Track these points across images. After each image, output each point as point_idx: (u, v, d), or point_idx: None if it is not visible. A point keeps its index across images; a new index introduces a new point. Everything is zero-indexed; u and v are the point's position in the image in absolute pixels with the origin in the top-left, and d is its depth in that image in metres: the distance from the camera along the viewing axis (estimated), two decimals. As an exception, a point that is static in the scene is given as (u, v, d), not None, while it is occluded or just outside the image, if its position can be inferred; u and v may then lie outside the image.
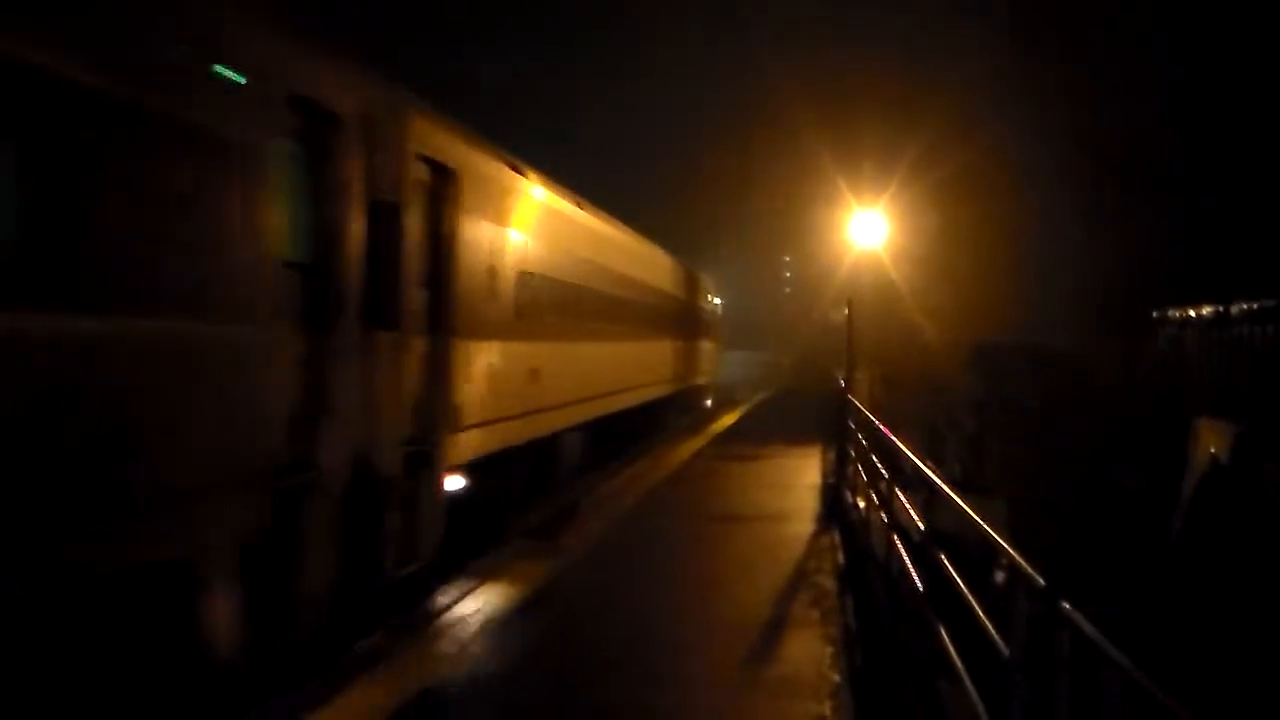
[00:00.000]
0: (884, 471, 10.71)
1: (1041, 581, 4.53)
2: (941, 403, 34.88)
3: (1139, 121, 34.92)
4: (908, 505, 9.09)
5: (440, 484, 9.63)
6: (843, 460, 14.88)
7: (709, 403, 36.80)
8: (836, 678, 7.16)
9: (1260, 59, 30.99)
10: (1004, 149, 39.24)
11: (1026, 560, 4.80)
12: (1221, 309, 27.53)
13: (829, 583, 10.04)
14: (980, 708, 5.38)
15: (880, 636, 8.49)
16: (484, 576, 9.91)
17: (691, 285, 30.69)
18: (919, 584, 7.55)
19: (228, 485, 6.12)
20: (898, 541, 8.96)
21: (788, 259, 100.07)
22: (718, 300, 39.84)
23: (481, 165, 11.02)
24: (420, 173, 9.21)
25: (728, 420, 31.54)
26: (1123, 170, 35.64)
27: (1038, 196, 39.43)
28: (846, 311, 18.12)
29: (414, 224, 8.97)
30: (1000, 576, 9.27)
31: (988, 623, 5.32)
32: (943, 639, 6.43)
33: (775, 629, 8.50)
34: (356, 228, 7.75)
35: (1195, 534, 19.27)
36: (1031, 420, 30.05)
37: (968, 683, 5.70)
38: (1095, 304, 35.35)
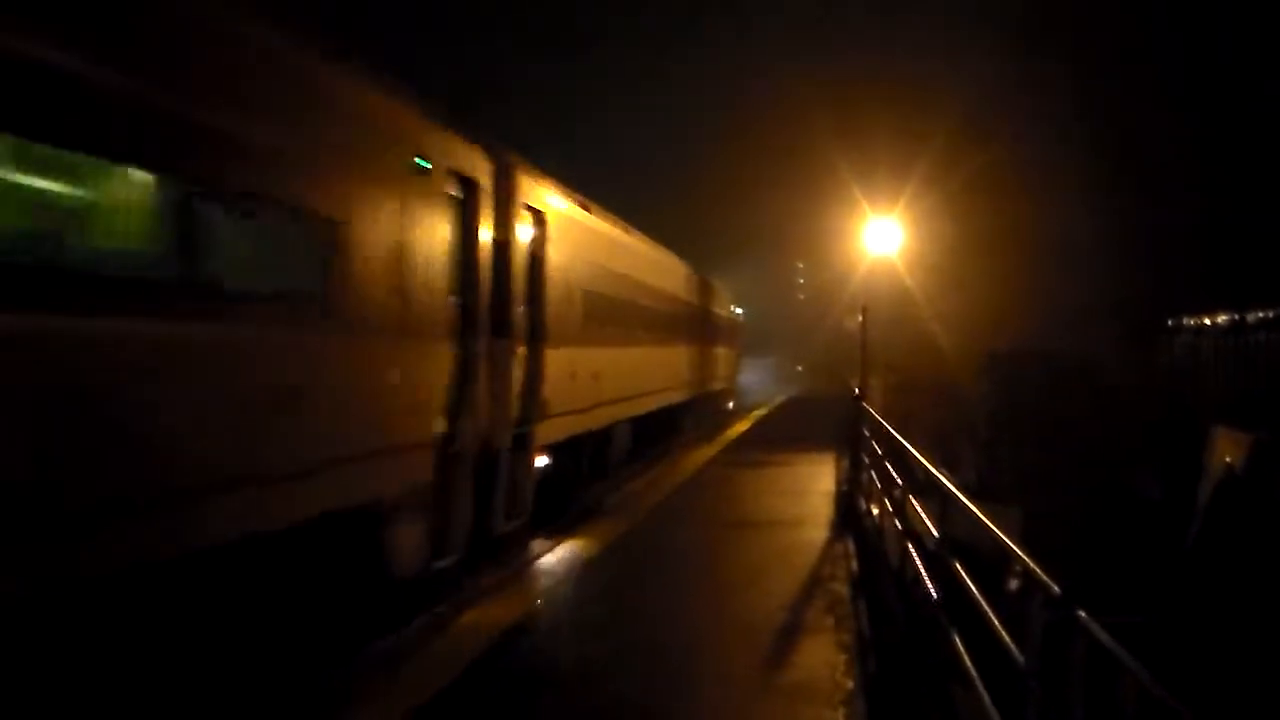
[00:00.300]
0: (898, 478, 10.72)
1: (1057, 590, 4.54)
2: (956, 410, 34.84)
3: (1154, 128, 34.82)
4: (922, 512, 9.10)
5: (533, 460, 12.34)
6: (856, 467, 14.87)
7: (730, 405, 38.64)
8: (850, 684, 7.18)
9: (1277, 62, 30.90)
10: (1018, 156, 39.14)
11: (1042, 568, 4.81)
12: (1237, 317, 27.45)
13: (843, 589, 10.05)
14: (995, 716, 5.39)
15: (894, 644, 8.49)
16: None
17: (715, 296, 33.09)
18: (933, 591, 7.55)
19: (413, 449, 8.87)
20: (911, 549, 8.96)
21: (801, 265, 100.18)
22: (738, 310, 42.48)
23: (561, 205, 13.66)
24: (523, 217, 11.77)
25: (741, 427, 31.54)
26: (1138, 177, 35.54)
27: (1052, 203, 39.30)
28: (860, 318, 18.10)
29: (518, 256, 11.51)
30: (1014, 584, 9.28)
31: (1003, 631, 5.33)
32: (957, 647, 6.44)
33: (789, 635, 8.52)
34: (485, 261, 10.43)
35: (1210, 542, 19.22)
36: (1046, 428, 29.98)
37: (982, 691, 5.71)
38: (1110, 311, 35.22)
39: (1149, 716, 3.54)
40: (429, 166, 9.02)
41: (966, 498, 7.22)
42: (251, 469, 6.39)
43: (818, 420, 29.79)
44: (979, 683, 5.81)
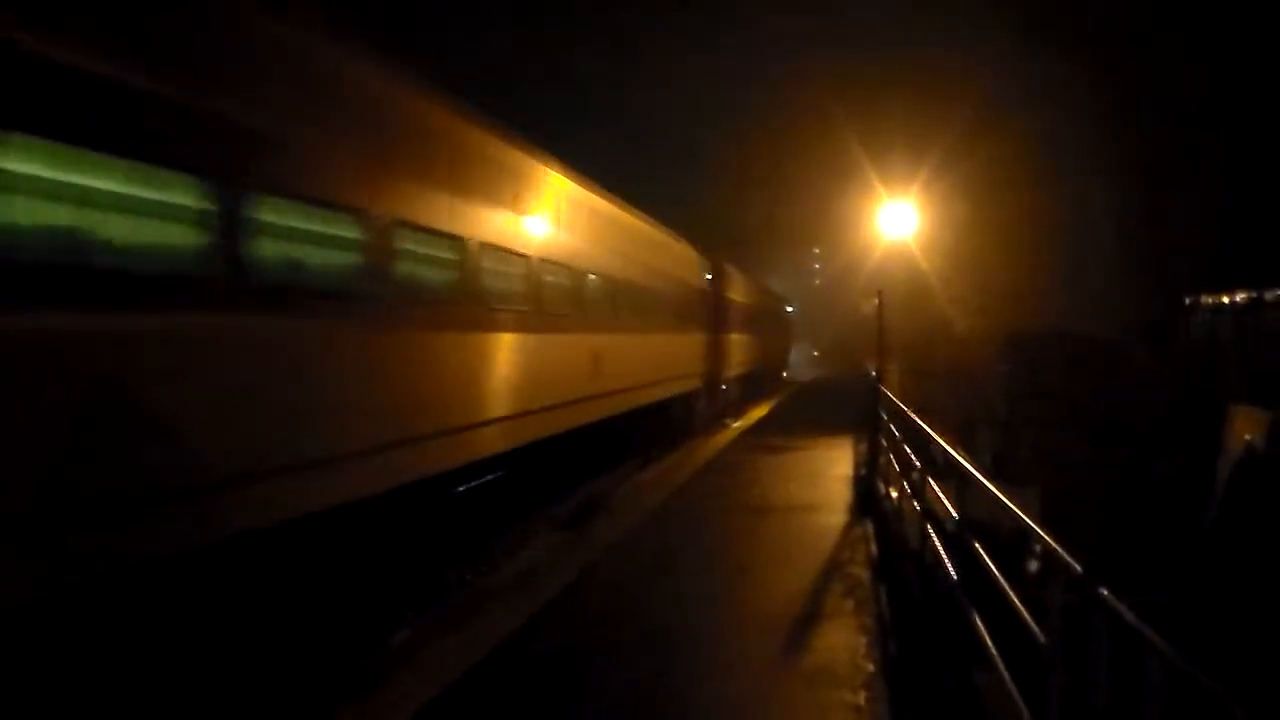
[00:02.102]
0: (916, 461, 10.70)
1: (1078, 568, 4.52)
2: (973, 392, 34.74)
3: (1171, 106, 34.61)
4: (940, 494, 9.07)
5: (723, 386, 28.78)
6: (874, 450, 14.85)
7: (784, 374, 55.64)
8: (871, 667, 7.19)
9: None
10: (1034, 137, 38.92)
11: (1062, 547, 4.79)
12: (1256, 294, 27.30)
13: (862, 573, 10.05)
14: (1017, 696, 5.38)
15: (914, 626, 8.49)
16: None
17: (780, 301, 54.45)
18: (953, 573, 7.54)
19: (693, 376, 24.87)
20: (931, 531, 8.94)
21: (817, 250, 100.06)
22: (790, 309, 63.51)
23: (731, 269, 30.94)
24: (720, 279, 28.42)
25: (758, 412, 31.60)
26: (1155, 155, 35.33)
27: (1068, 184, 39.10)
28: (877, 302, 18.05)
29: (719, 297, 28.14)
30: (1034, 565, 9.26)
31: (1024, 610, 5.32)
32: (978, 628, 6.43)
33: (809, 619, 8.53)
34: (712, 300, 27.36)
35: (1229, 520, 19.15)
36: (1064, 408, 29.85)
37: (1004, 671, 5.70)
38: (1126, 292, 35.04)
39: (1174, 695, 3.54)
40: (709, 276, 26.52)
41: (985, 479, 7.20)
42: (675, 376, 22.19)
43: (833, 405, 30.00)
44: (1000, 663, 5.80)
